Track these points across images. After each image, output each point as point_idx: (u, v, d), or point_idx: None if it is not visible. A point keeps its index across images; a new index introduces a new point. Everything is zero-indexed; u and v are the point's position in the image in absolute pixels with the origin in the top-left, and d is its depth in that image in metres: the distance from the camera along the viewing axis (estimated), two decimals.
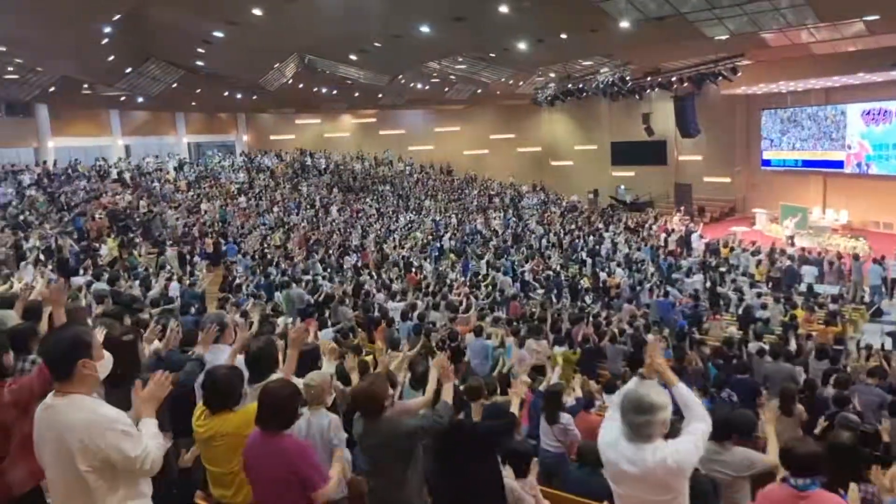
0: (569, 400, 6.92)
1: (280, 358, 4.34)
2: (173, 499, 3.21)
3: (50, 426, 2.69)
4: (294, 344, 4.10)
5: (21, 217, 17.72)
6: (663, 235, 23.42)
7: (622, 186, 31.50)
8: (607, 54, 21.31)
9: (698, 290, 15.11)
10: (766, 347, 9.44)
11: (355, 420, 3.81)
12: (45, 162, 24.45)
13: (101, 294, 8.48)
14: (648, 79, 23.31)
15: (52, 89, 22.17)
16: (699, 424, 2.85)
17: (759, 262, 18.32)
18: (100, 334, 3.02)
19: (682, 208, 27.05)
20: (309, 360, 4.85)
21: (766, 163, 26.95)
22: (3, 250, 13.74)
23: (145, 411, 2.90)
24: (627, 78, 22.28)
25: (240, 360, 4.35)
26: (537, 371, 8.34)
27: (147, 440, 2.74)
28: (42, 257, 14.03)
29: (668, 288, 14.96)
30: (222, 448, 3.45)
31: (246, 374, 4.10)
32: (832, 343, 10.45)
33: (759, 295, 14.95)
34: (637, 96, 24.58)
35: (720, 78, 20.84)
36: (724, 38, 16.70)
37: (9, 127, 24.97)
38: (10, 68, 19.66)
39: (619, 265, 19.02)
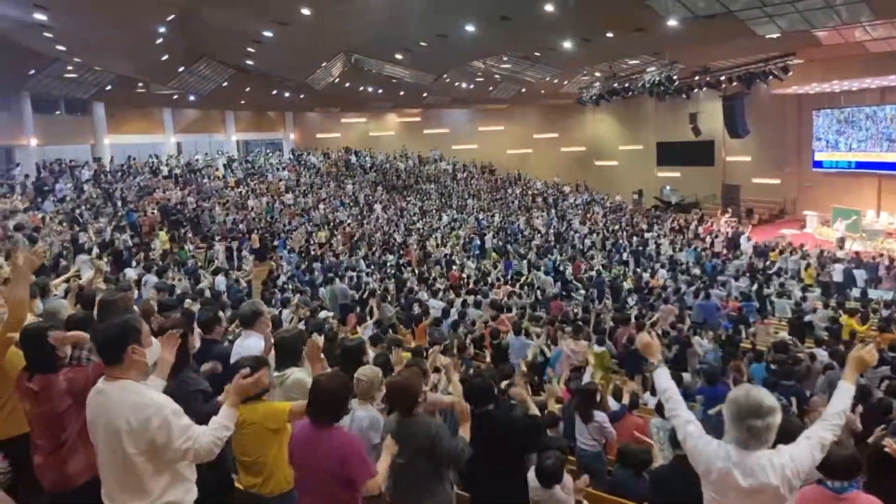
0: (613, 403, 6.92)
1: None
2: (211, 483, 3.29)
3: (100, 410, 2.79)
4: (311, 359, 4.00)
5: (78, 211, 18.34)
6: (709, 237, 23.06)
7: (668, 187, 31.08)
8: (654, 53, 21.05)
9: (744, 293, 14.87)
10: (818, 352, 9.28)
11: (387, 420, 3.81)
12: (100, 159, 25.23)
13: (160, 288, 8.77)
14: (696, 78, 22.96)
15: (108, 88, 22.94)
16: (820, 431, 2.74)
17: (807, 266, 17.92)
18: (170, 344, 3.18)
19: (730, 210, 26.57)
20: (354, 355, 4.93)
21: (818, 164, 26.26)
22: (61, 243, 14.25)
23: (229, 401, 2.99)
24: (675, 77, 21.96)
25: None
26: (577, 371, 8.34)
27: (197, 429, 2.80)
28: (97, 250, 14.51)
29: (713, 290, 14.74)
30: (250, 436, 3.51)
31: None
32: (888, 349, 10.19)
33: (805, 299, 14.64)
34: (684, 96, 24.21)
35: (771, 77, 20.42)
36: (775, 36, 16.37)
37: (68, 125, 25.88)
38: (69, 68, 20.41)
39: (662, 266, 18.81)
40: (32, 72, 20.00)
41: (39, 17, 13.88)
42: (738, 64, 21.47)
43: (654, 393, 7.70)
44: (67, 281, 7.78)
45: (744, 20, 15.03)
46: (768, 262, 19.12)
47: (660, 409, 6.04)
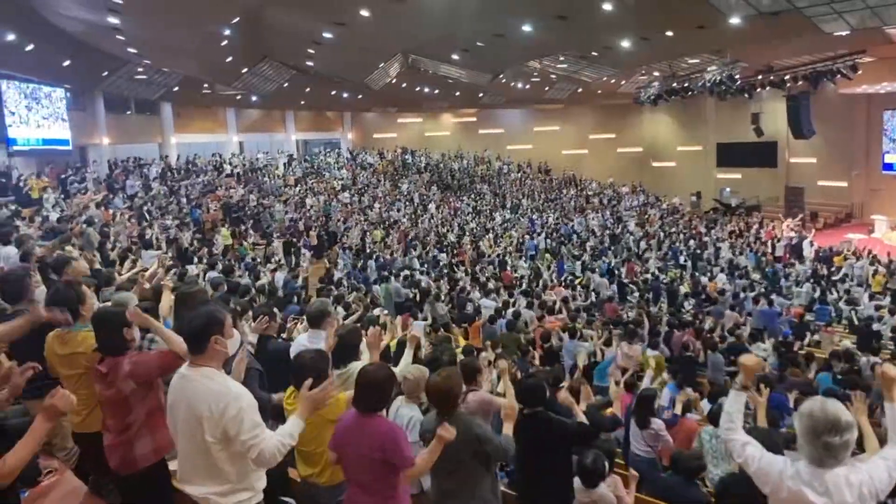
0: (667, 412, 6.87)
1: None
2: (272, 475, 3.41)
3: (182, 395, 2.92)
4: (371, 347, 4.11)
5: (146, 208, 19.06)
6: (770, 241, 22.47)
7: (727, 189, 30.34)
8: (716, 51, 20.61)
9: (807, 299, 14.49)
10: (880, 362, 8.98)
11: (426, 418, 3.85)
12: (167, 157, 26.15)
13: (216, 282, 9.06)
14: (759, 77, 22.39)
15: (175, 89, 23.77)
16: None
17: (875, 272, 17.30)
18: None
19: (793, 213, 25.82)
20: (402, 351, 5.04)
21: (889, 167, 25.29)
22: (129, 238, 14.85)
23: (301, 411, 3.07)
24: (737, 76, 21.45)
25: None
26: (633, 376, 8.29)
27: (268, 434, 2.88)
28: (163, 246, 15.07)
29: (774, 296, 14.39)
30: (310, 426, 3.49)
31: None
32: None
33: (877, 308, 14.13)
34: (747, 95, 23.61)
35: (838, 76, 19.78)
36: (843, 33, 15.85)
37: (137, 124, 26.88)
38: (139, 69, 21.24)
39: (721, 270, 18.44)
40: (105, 73, 20.87)
41: (113, 20, 14.51)
42: (803, 62, 20.86)
43: (711, 400, 7.59)
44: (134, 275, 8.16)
45: (811, 17, 14.59)
46: (833, 268, 18.54)
47: (713, 418, 5.97)
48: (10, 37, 15.30)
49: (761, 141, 27.44)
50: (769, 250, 21.49)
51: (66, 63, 18.53)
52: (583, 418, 4.51)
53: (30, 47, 16.34)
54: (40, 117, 20.68)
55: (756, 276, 17.91)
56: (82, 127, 22.95)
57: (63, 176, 20.12)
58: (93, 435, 3.67)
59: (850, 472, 2.50)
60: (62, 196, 18.06)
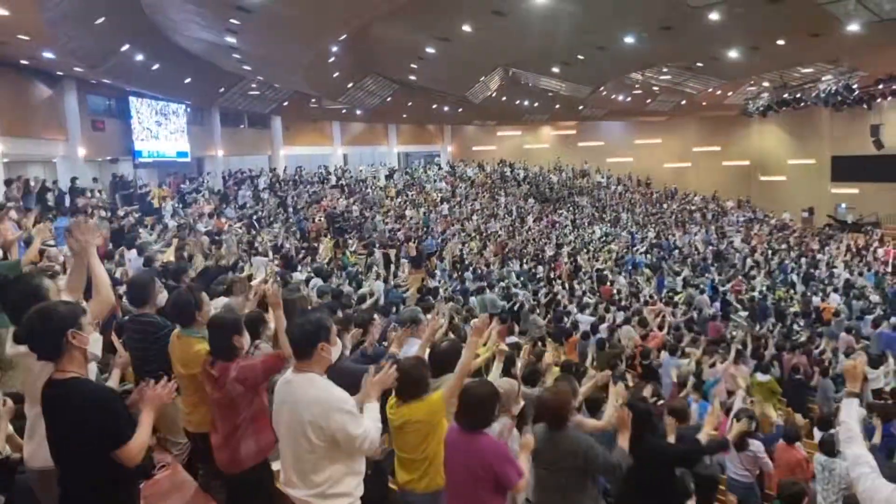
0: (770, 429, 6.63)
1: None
2: (370, 482, 3.52)
3: (287, 399, 3.06)
4: (477, 332, 3.98)
5: (255, 217, 20.04)
6: (891, 260, 21.06)
7: (843, 205, 28.65)
8: (831, 60, 19.62)
9: None
10: None
11: (535, 427, 3.84)
12: (276, 168, 27.38)
13: (322, 291, 9.45)
14: (880, 86, 21.16)
15: (285, 103, 24.92)
16: None
17: None
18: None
19: None
20: (505, 364, 5.09)
21: None
22: (239, 246, 15.65)
23: (371, 396, 3.19)
24: (854, 86, 20.35)
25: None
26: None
27: (368, 422, 3.02)
28: (270, 253, 15.78)
29: (893, 319, 13.49)
30: (412, 434, 3.61)
31: None
32: None
33: None
34: (865, 105, 22.35)
35: None
36: None
37: (250, 137, 28.33)
38: (252, 85, 22.39)
39: (835, 290, 17.44)
40: (222, 90, 22.14)
41: (230, 40, 15.38)
42: None
43: (822, 428, 7.23)
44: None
45: None
46: None
47: (825, 446, 5.71)
48: (139, 57, 16.50)
49: (881, 154, 25.80)
50: (889, 270, 20.15)
51: (187, 80, 19.82)
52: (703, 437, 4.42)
53: (155, 66, 17.57)
54: (168, 132, 22.27)
55: (875, 297, 16.83)
56: (200, 140, 24.43)
57: (182, 186, 21.49)
58: (202, 434, 3.90)
59: None
60: (180, 205, 19.28)
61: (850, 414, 2.83)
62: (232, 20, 13.46)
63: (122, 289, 7.93)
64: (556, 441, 3.61)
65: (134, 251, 9.76)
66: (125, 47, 15.67)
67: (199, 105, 24.30)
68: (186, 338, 3.95)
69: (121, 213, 15.51)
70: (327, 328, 3.10)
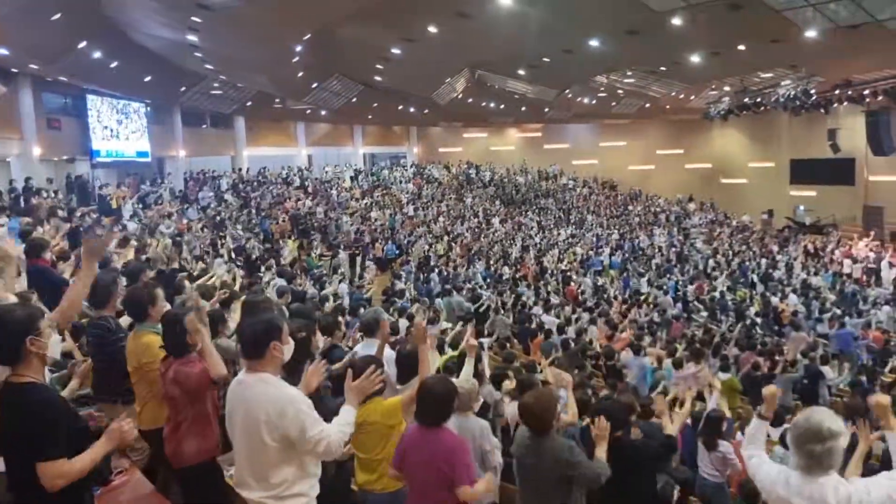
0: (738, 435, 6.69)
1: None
2: (331, 483, 3.48)
3: (240, 400, 3.01)
4: (420, 340, 4.05)
5: (218, 218, 19.73)
6: (847, 262, 21.57)
7: (801, 207, 29.25)
8: (790, 66, 20.02)
9: (882, 323, 13.86)
10: None
11: (518, 431, 3.87)
12: (240, 169, 27.02)
13: (282, 290, 9.32)
14: (837, 92, 21.61)
15: (248, 104, 24.57)
16: None
17: None
18: None
19: (872, 233, 24.73)
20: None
21: None
22: (201, 247, 15.41)
23: (351, 400, 3.18)
24: (812, 91, 20.77)
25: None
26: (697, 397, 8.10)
27: (329, 426, 2.97)
28: (233, 255, 15.57)
29: (850, 319, 13.82)
30: (369, 435, 3.65)
31: (393, 370, 4.41)
32: None
33: None
34: (823, 110, 22.83)
35: None
36: None
37: (212, 137, 27.91)
38: (215, 85, 22.04)
39: (794, 291, 17.80)
40: (183, 89, 21.75)
41: (191, 38, 15.12)
42: (884, 76, 20.03)
43: (773, 423, 7.37)
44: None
45: (893, 30, 14.03)
46: None
47: (784, 440, 5.81)
48: (97, 54, 16.11)
49: (838, 158, 26.40)
50: (846, 271, 20.63)
51: (147, 79, 19.41)
52: (672, 431, 4.47)
53: (114, 64, 17.18)
54: (129, 131, 21.80)
55: (831, 297, 17.22)
56: (160, 140, 23.95)
57: (142, 187, 21.06)
58: (155, 431, 3.88)
59: (840, 484, 2.54)
60: (140, 206, 18.89)
61: (755, 431, 3.06)
62: (193, 18, 13.23)
63: None
64: (540, 445, 3.60)
65: None
66: (82, 44, 15.29)
67: (160, 104, 23.84)
68: (140, 332, 4.03)
69: (78, 213, 15.13)
70: (278, 327, 3.06)
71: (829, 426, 2.55)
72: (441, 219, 26.13)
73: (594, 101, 26.29)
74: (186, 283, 7.81)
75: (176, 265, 9.15)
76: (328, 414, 3.11)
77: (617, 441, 4.06)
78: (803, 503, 2.58)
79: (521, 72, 21.15)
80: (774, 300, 16.89)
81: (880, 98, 20.99)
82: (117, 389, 4.26)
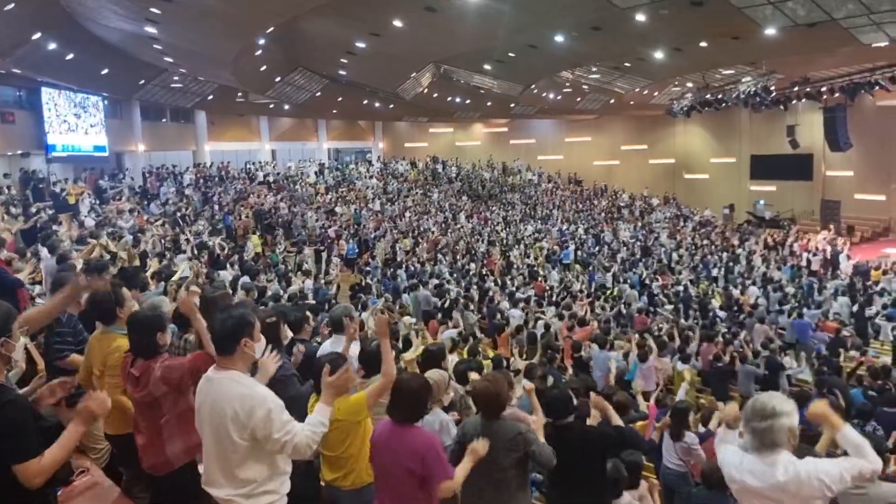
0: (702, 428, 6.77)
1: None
2: (302, 478, 3.42)
3: (209, 397, 2.93)
4: (381, 334, 3.90)
5: (179, 214, 19.37)
6: (805, 254, 22.06)
7: (761, 201, 29.88)
8: (750, 63, 20.37)
9: (840, 314, 14.20)
10: None
11: (469, 420, 3.86)
12: (200, 164, 26.57)
13: (246, 287, 9.20)
14: (795, 89, 22.08)
15: (210, 98, 24.17)
16: (859, 460, 2.65)
17: None
18: None
19: (830, 227, 25.34)
20: (436, 358, 5.05)
21: None
22: (162, 243, 15.09)
23: (326, 398, 3.09)
24: (772, 88, 21.17)
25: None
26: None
27: (299, 426, 2.90)
28: (195, 251, 15.28)
29: (808, 310, 14.13)
30: (334, 432, 3.54)
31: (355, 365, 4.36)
32: None
33: None
34: (782, 107, 23.30)
35: (877, 88, 19.41)
36: (882, 44, 15.54)
37: (172, 132, 27.44)
38: (175, 78, 21.64)
39: (753, 283, 18.14)
40: (142, 82, 21.30)
41: (150, 30, 14.80)
42: (840, 74, 20.51)
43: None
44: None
45: (848, 28, 14.34)
46: (870, 283, 18.14)
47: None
48: (52, 46, 15.69)
49: (796, 153, 27.04)
50: (804, 264, 21.10)
51: (105, 71, 18.95)
52: (618, 422, 4.50)
53: (70, 56, 16.73)
54: (88, 125, 21.26)
55: (790, 289, 17.58)
56: (118, 134, 23.45)
57: (100, 182, 20.57)
58: (123, 436, 3.75)
59: (790, 462, 2.60)
60: (98, 202, 18.44)
61: (725, 435, 3.06)
62: (152, 9, 12.94)
63: (38, 289, 7.55)
64: (492, 428, 3.59)
65: (46, 249, 9.28)
66: (37, 35, 14.86)
67: (118, 98, 23.34)
68: (108, 334, 3.90)
69: (33, 209, 14.71)
70: (251, 323, 2.98)
71: (774, 405, 2.62)
72: (407, 214, 26.04)
73: (560, 97, 26.45)
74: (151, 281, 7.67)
75: (137, 263, 8.93)
76: (294, 400, 3.04)
77: (567, 427, 4.09)
78: (755, 481, 2.65)
79: (487, 67, 21.17)
80: (735, 293, 17.18)
81: (837, 95, 21.51)
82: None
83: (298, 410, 3.22)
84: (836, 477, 2.57)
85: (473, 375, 5.52)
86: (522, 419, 4.40)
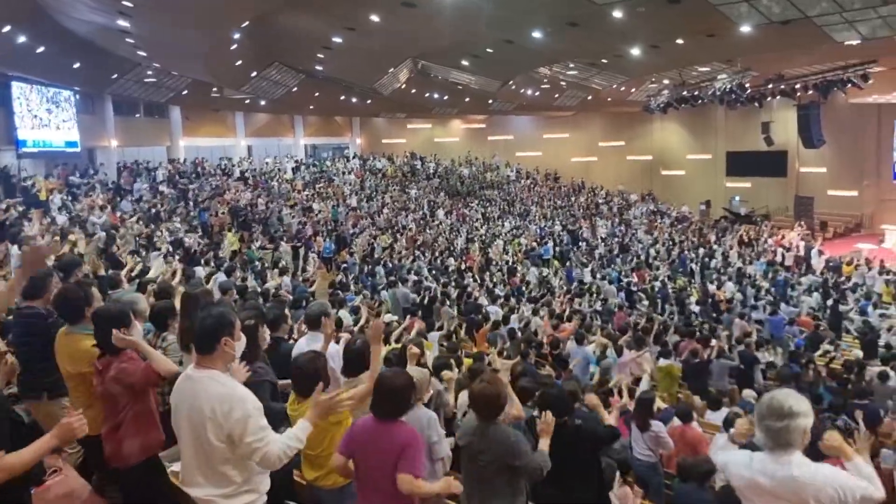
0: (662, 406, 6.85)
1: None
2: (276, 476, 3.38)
3: (187, 396, 2.89)
4: (373, 340, 3.96)
5: (153, 210, 19.09)
6: (780, 250, 22.33)
7: (737, 198, 30.20)
8: (726, 60, 20.55)
9: (814, 308, 14.39)
10: (891, 372, 8.89)
11: (465, 419, 3.86)
12: (175, 160, 26.22)
13: (225, 286, 9.04)
14: (770, 86, 22.33)
15: (184, 92, 23.82)
16: (869, 485, 2.59)
17: (888, 283, 17.15)
18: None
19: (803, 223, 25.68)
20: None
21: None
22: (137, 241, 14.87)
23: (311, 416, 3.04)
24: (747, 85, 21.38)
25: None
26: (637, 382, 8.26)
27: (275, 436, 2.86)
28: (170, 248, 15.07)
29: (783, 305, 14.29)
30: (315, 431, 3.45)
31: (338, 365, 4.31)
32: None
33: (882, 316, 14.04)
34: (757, 104, 23.55)
35: (849, 85, 19.69)
36: (855, 43, 15.75)
37: (146, 127, 27.01)
38: (149, 72, 21.28)
39: (729, 279, 18.32)
40: (115, 76, 20.90)
41: (122, 23, 14.52)
42: (814, 71, 20.76)
43: (712, 406, 7.62)
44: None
45: (821, 26, 14.51)
46: (842, 278, 18.41)
47: (728, 424, 5.94)
48: (22, 39, 15.34)
49: (771, 150, 27.36)
50: (778, 259, 21.36)
51: (76, 66, 18.58)
52: (610, 421, 4.51)
53: (40, 49, 16.38)
54: (60, 120, 20.86)
55: (765, 284, 17.78)
56: (91, 130, 23.01)
57: (71, 178, 20.20)
58: (95, 437, 3.64)
59: (805, 461, 2.57)
60: (69, 198, 18.11)
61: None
62: (124, 2, 12.66)
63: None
64: (487, 432, 3.58)
65: (16, 246, 9.12)
66: (6, 28, 14.51)
67: (90, 92, 22.88)
68: (74, 335, 3.77)
69: (3, 206, 14.41)
70: (231, 322, 2.94)
71: (791, 405, 2.57)
72: (385, 211, 25.92)
73: (538, 93, 26.49)
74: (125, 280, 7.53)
75: (102, 272, 8.72)
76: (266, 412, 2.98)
77: (563, 426, 4.09)
78: (767, 481, 2.60)
79: (465, 62, 21.11)
80: (711, 288, 17.34)
81: (810, 92, 21.79)
82: (43, 382, 4.09)
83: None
84: (851, 486, 2.53)
85: (447, 374, 5.51)
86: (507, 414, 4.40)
